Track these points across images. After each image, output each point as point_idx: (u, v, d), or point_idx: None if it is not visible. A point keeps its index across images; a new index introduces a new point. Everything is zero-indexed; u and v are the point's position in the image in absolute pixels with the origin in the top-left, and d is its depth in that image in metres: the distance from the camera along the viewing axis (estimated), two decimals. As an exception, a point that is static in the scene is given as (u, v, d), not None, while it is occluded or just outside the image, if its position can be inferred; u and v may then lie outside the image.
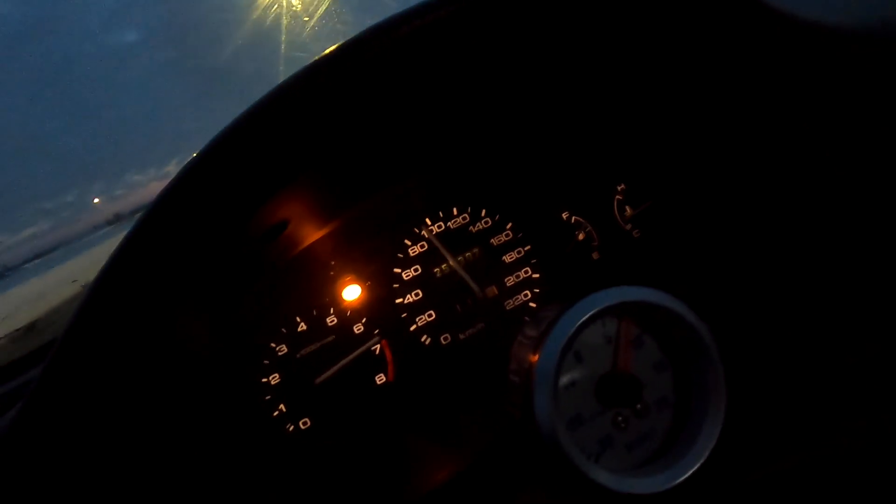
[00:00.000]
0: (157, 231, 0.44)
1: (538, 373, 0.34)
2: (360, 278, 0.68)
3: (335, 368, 0.65)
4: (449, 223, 0.71)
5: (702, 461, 0.32)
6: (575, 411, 0.34)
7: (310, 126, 0.49)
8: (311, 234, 0.67)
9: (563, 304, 0.41)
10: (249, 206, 0.50)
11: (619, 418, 0.34)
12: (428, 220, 0.70)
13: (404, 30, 0.44)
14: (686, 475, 0.32)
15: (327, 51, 0.45)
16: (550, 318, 0.37)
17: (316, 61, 0.44)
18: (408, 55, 0.47)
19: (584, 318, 0.33)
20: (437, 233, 0.70)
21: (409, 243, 0.70)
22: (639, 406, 0.34)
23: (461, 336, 0.69)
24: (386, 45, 0.44)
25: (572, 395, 0.34)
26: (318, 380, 0.65)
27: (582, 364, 0.35)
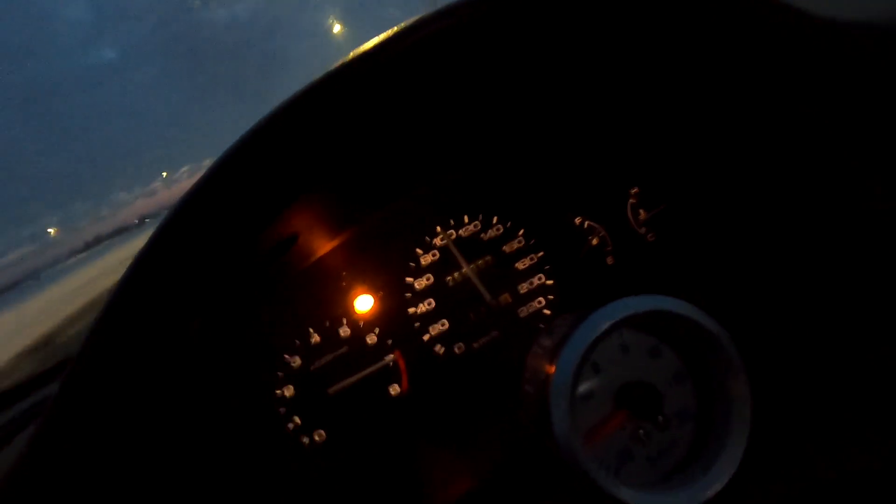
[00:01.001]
0: (169, 248, 0.45)
1: (554, 385, 0.33)
2: (373, 288, 0.68)
3: (349, 381, 0.65)
4: (460, 231, 0.70)
5: (729, 476, 0.31)
6: (592, 423, 0.33)
7: (319, 139, 0.49)
8: (323, 246, 0.67)
9: (579, 314, 0.40)
10: (261, 220, 0.51)
11: (640, 431, 0.33)
12: (439, 229, 0.70)
13: (413, 40, 0.44)
14: (715, 491, 0.31)
15: (336, 63, 0.45)
16: (566, 328, 0.36)
17: (325, 74, 0.44)
18: (417, 65, 0.46)
19: (601, 330, 0.32)
20: (450, 240, 0.70)
21: (420, 252, 0.69)
22: (660, 418, 0.33)
23: (475, 345, 0.68)
24: (395, 55, 0.44)
25: (590, 407, 0.34)
26: (332, 390, 0.64)
27: (599, 375, 0.34)
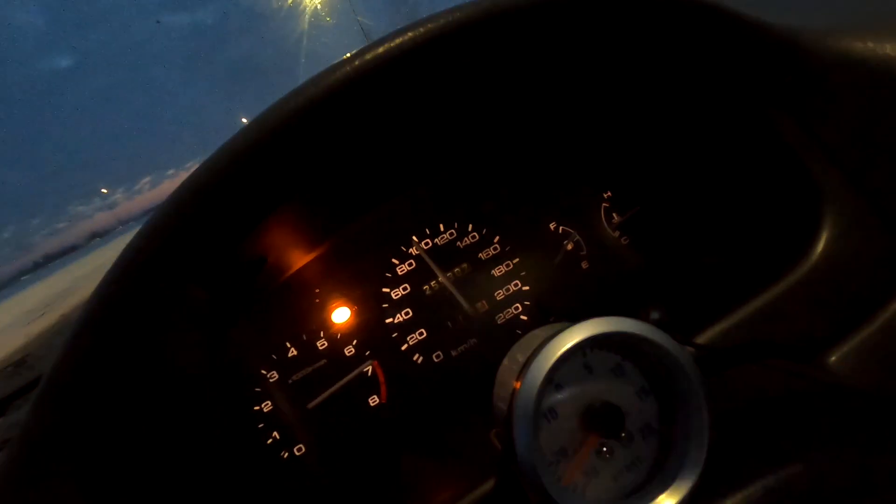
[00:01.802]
0: (140, 267, 0.44)
1: (518, 406, 0.33)
2: (349, 300, 0.68)
3: (327, 393, 0.65)
4: (436, 240, 0.70)
5: (690, 489, 0.32)
6: (559, 444, 0.34)
7: (291, 152, 0.48)
8: (298, 260, 0.67)
9: (543, 331, 0.41)
10: (229, 240, 0.50)
11: (604, 448, 0.34)
12: (415, 238, 0.70)
13: (385, 54, 0.43)
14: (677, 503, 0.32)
15: (308, 79, 0.44)
16: (534, 347, 0.36)
17: (295, 90, 0.44)
18: (389, 78, 0.46)
19: (562, 353, 0.33)
20: (425, 250, 0.70)
21: (396, 262, 0.69)
22: (623, 434, 0.34)
23: (453, 353, 0.68)
24: (367, 69, 0.44)
25: (555, 426, 0.34)
26: (311, 405, 0.64)
27: (563, 394, 0.35)
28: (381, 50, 0.39)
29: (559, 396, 0.34)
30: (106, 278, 0.44)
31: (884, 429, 0.37)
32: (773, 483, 0.33)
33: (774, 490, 0.33)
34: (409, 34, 0.42)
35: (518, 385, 0.34)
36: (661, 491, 0.33)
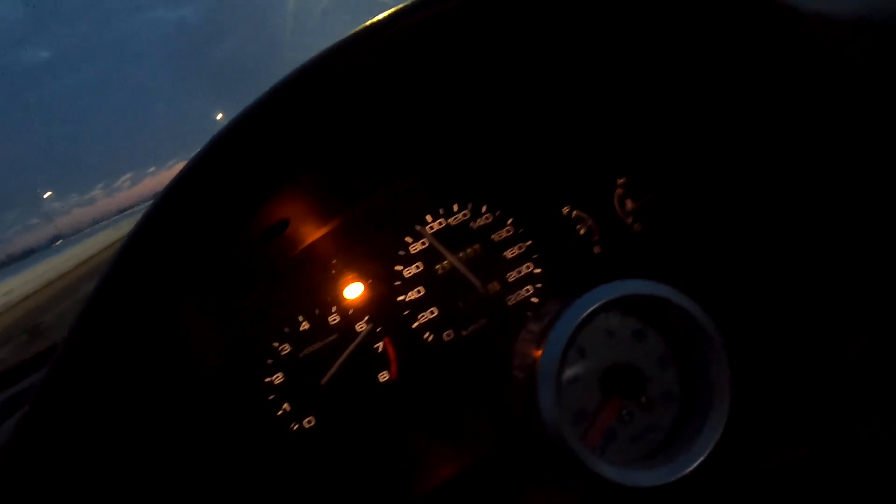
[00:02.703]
0: (157, 233, 0.44)
1: (541, 368, 0.34)
2: (362, 276, 0.68)
3: (336, 365, 0.65)
4: (450, 220, 0.71)
5: (706, 454, 0.32)
6: (579, 405, 0.34)
7: (309, 125, 0.48)
8: (312, 233, 0.67)
9: (565, 299, 0.41)
10: (250, 206, 0.50)
11: (624, 412, 0.34)
12: (429, 217, 0.70)
13: (402, 26, 0.44)
14: (690, 468, 0.32)
15: (324, 48, 0.45)
16: (553, 313, 0.37)
17: (313, 59, 0.44)
18: (406, 52, 0.46)
19: (586, 313, 0.33)
20: (437, 229, 0.70)
21: (410, 240, 0.69)
22: (643, 399, 0.34)
23: (464, 332, 0.69)
24: (384, 41, 0.44)
25: (576, 389, 0.34)
26: (323, 381, 0.65)
27: (585, 358, 0.35)
28: (412, 12, 0.39)
29: (581, 359, 0.35)
30: (123, 244, 0.44)
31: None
32: (793, 457, 0.34)
33: (794, 464, 0.33)
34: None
35: (540, 349, 0.34)
36: (679, 455, 0.33)
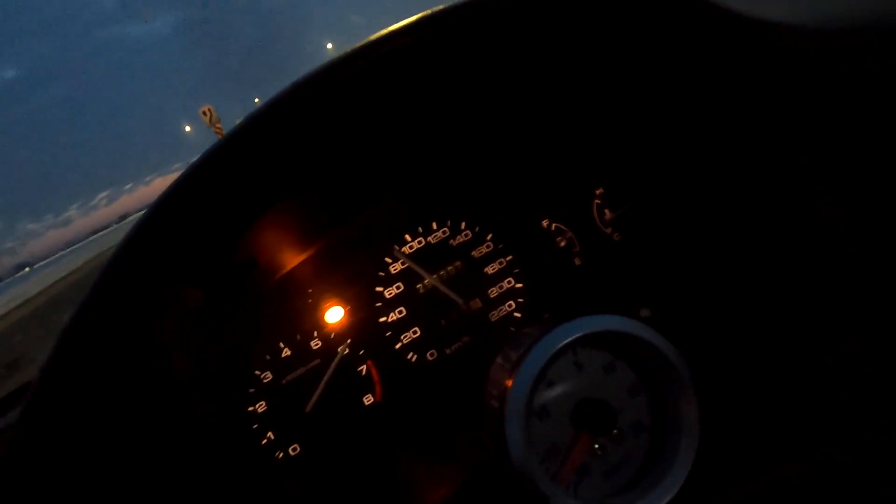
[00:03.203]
0: (131, 265, 0.44)
1: (511, 400, 0.33)
2: (343, 300, 0.68)
3: (320, 391, 0.65)
4: (429, 238, 0.70)
5: (679, 486, 0.32)
6: (550, 441, 0.34)
7: (286, 153, 0.48)
8: (291, 260, 0.67)
9: (539, 330, 0.41)
10: (220, 241, 0.50)
11: (596, 446, 0.34)
12: (408, 237, 0.70)
13: (377, 53, 0.43)
14: (665, 501, 0.32)
15: (301, 77, 0.44)
16: (526, 344, 0.37)
17: (290, 87, 0.43)
18: (380, 77, 0.46)
19: (554, 350, 0.33)
20: (417, 248, 0.70)
21: (389, 261, 0.69)
22: (614, 432, 0.34)
23: (447, 351, 0.68)
24: (359, 68, 0.44)
25: (547, 425, 0.34)
26: (308, 408, 0.64)
27: (555, 392, 0.35)
28: (386, 37, 0.39)
29: (551, 394, 0.34)
30: (96, 279, 0.43)
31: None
32: (766, 482, 0.33)
33: (765, 489, 0.33)
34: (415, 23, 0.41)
35: (510, 382, 0.34)
36: (653, 488, 0.33)
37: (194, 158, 0.43)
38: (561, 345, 0.33)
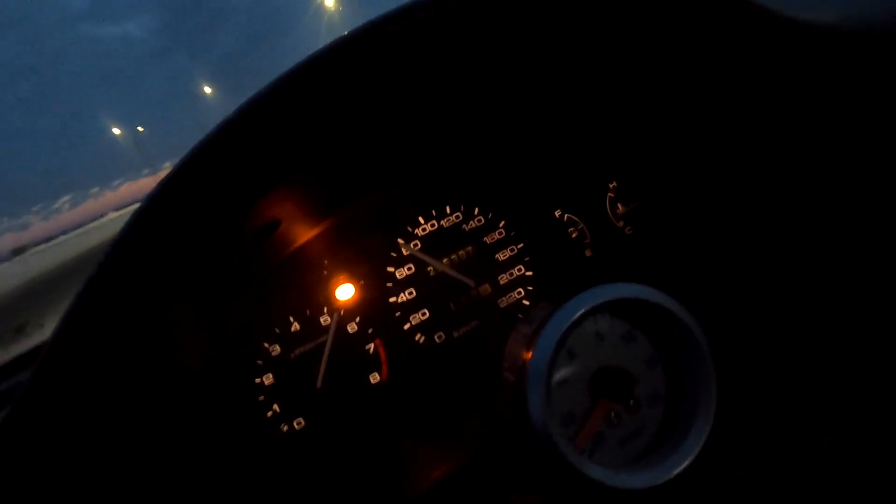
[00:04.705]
0: (147, 232, 0.44)
1: (531, 370, 0.34)
2: (354, 277, 0.68)
3: (326, 366, 0.65)
4: (442, 221, 0.71)
5: (694, 456, 0.32)
6: (568, 408, 0.34)
7: (303, 126, 0.48)
8: (304, 234, 0.67)
9: (556, 302, 0.41)
10: (242, 206, 0.50)
11: (612, 414, 0.34)
12: (421, 219, 0.70)
13: (395, 28, 0.44)
14: (679, 470, 0.32)
15: (317, 50, 0.44)
16: (544, 316, 0.37)
17: (306, 60, 0.44)
18: (399, 55, 0.46)
19: (576, 317, 0.33)
20: (430, 231, 0.70)
21: (402, 242, 0.70)
22: (631, 402, 0.34)
23: (455, 334, 0.69)
24: (377, 44, 0.44)
25: (565, 392, 0.35)
26: (316, 383, 0.64)
27: (574, 361, 0.35)
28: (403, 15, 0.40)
29: (570, 361, 0.35)
30: (111, 245, 0.43)
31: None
32: (778, 460, 0.34)
33: (777, 467, 0.34)
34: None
35: (531, 352, 0.35)
36: (668, 457, 0.34)
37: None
38: (585, 309, 0.33)
